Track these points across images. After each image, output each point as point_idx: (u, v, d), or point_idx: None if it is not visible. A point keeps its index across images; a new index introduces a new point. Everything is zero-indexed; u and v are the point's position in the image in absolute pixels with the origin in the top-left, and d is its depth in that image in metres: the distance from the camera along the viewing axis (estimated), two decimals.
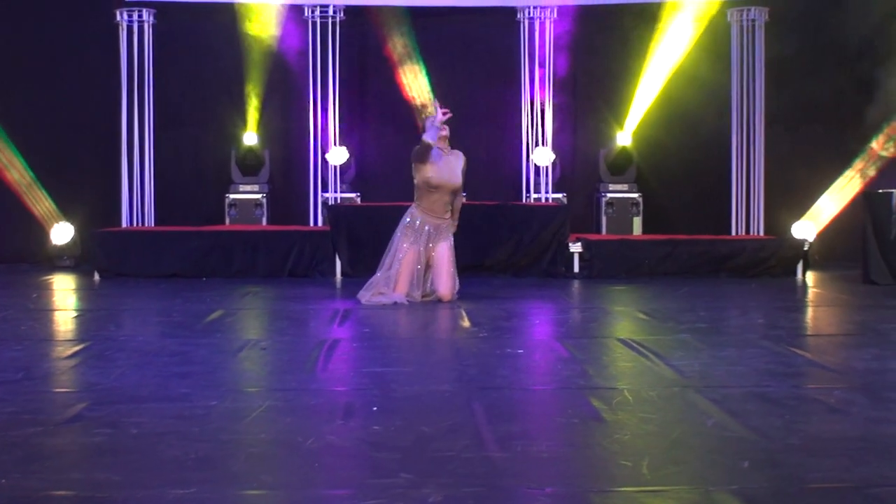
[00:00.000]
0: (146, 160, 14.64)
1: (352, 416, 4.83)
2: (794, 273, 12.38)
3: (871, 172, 13.88)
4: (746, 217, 14.40)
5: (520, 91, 14.75)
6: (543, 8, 14.58)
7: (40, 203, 14.27)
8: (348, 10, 14.69)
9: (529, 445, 4.29)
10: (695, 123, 14.37)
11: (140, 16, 14.53)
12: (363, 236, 12.44)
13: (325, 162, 14.64)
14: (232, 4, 14.57)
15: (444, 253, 9.68)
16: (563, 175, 15.00)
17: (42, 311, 9.36)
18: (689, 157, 14.48)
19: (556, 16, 14.62)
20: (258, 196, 14.53)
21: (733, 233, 14.29)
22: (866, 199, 11.81)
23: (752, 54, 14.37)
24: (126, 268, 12.34)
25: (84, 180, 14.59)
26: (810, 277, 12.33)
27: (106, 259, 12.40)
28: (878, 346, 7.03)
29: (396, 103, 14.92)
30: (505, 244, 12.44)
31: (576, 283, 11.72)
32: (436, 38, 14.87)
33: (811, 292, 11.17)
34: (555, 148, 14.72)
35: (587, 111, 15.18)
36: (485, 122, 14.99)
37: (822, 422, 4.82)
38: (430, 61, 14.80)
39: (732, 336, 7.65)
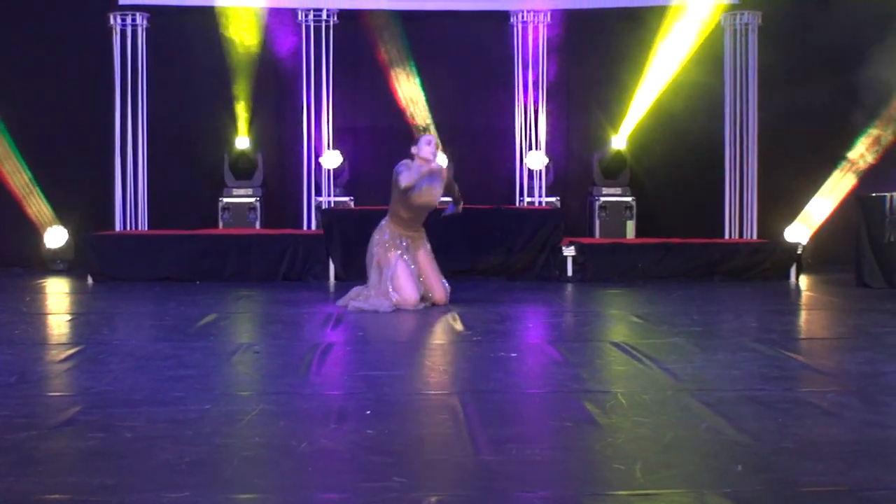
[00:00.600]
0: (139, 163, 14.64)
1: (345, 420, 4.83)
2: (788, 276, 12.40)
3: (854, 179, 13.94)
4: (740, 221, 14.41)
5: (513, 95, 14.77)
6: (536, 12, 14.60)
7: (37, 206, 14.27)
8: (341, 13, 14.70)
9: (523, 449, 4.29)
10: (688, 127, 14.37)
11: (133, 20, 14.53)
12: (357, 240, 12.39)
13: (318, 165, 14.64)
14: (225, 8, 14.57)
15: (424, 259, 9.67)
16: (557, 179, 15.02)
17: (35, 314, 9.35)
18: (682, 160, 14.48)
19: (549, 20, 14.64)
20: (252, 199, 14.53)
21: (726, 236, 14.31)
22: (860, 203, 11.83)
23: (745, 58, 14.39)
24: (119, 271, 12.33)
25: (77, 183, 14.57)
26: (803, 281, 12.35)
27: (99, 262, 12.39)
28: (871, 349, 7.03)
29: (390, 107, 14.94)
30: (498, 248, 12.45)
31: (569, 287, 11.73)
32: (429, 42, 14.88)
33: (804, 295, 11.18)
34: (548, 152, 14.74)
35: (580, 115, 15.19)
36: (478, 126, 15.02)
37: (816, 425, 4.82)
38: (424, 65, 14.82)
39: (726, 339, 7.65)
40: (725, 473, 3.95)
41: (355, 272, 12.27)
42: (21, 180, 14.29)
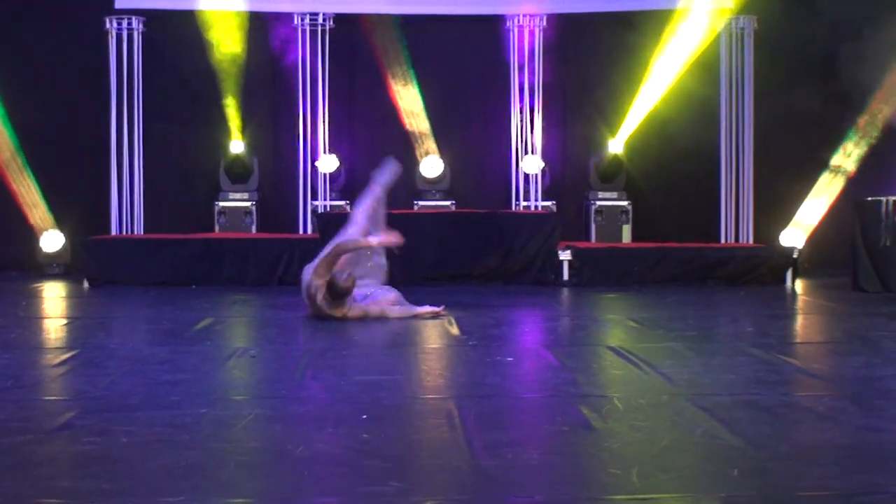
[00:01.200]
0: (135, 168, 14.63)
1: (341, 425, 4.82)
2: (784, 281, 12.39)
3: (842, 183, 13.99)
4: (735, 225, 14.42)
5: (509, 99, 14.77)
6: (532, 16, 14.61)
7: (37, 210, 14.27)
8: (338, 18, 14.70)
9: (519, 453, 4.29)
10: (684, 131, 14.36)
11: (129, 24, 14.53)
12: None
13: (314, 170, 14.64)
14: (221, 12, 14.56)
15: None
16: (553, 183, 15.02)
17: (31, 318, 9.34)
18: (678, 164, 14.48)
19: (544, 24, 14.65)
20: (247, 204, 14.52)
21: (722, 241, 14.32)
22: (856, 207, 11.83)
23: (742, 63, 14.40)
24: (116, 276, 12.33)
25: (73, 188, 14.57)
26: (799, 285, 12.35)
27: (95, 267, 12.39)
28: (867, 353, 7.03)
29: (386, 111, 14.94)
30: (494, 252, 12.44)
31: (565, 291, 11.73)
32: (425, 46, 14.87)
33: (800, 300, 11.19)
34: (544, 156, 14.75)
35: (577, 119, 15.19)
36: (474, 130, 15.03)
37: (812, 430, 4.83)
38: (420, 69, 14.83)
39: (722, 344, 7.66)
40: (721, 478, 3.95)
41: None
42: (24, 184, 14.30)
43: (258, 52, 14.91)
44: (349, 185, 14.97)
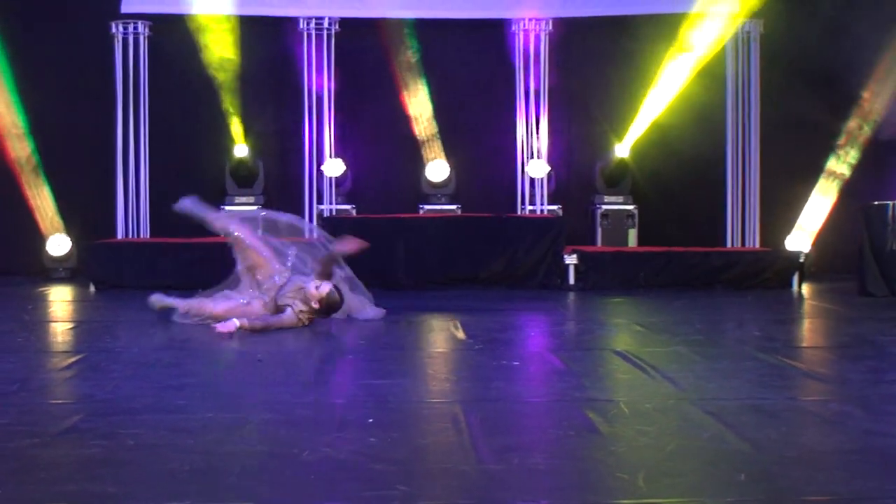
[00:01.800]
0: (141, 171, 14.66)
1: (347, 429, 4.82)
2: (790, 285, 12.39)
3: (839, 188, 14.04)
4: (742, 229, 14.42)
5: (514, 103, 14.77)
6: (538, 20, 14.61)
7: (46, 214, 14.31)
8: (343, 22, 14.72)
9: (525, 458, 4.29)
10: (690, 135, 14.36)
11: (135, 28, 14.57)
12: None
13: (320, 174, 14.65)
14: (226, 17, 14.58)
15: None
16: (559, 187, 15.02)
17: (37, 322, 9.35)
18: (684, 168, 14.47)
19: (550, 28, 14.65)
20: (253, 208, 14.51)
21: (728, 245, 14.31)
22: (863, 211, 11.83)
23: (747, 67, 14.40)
24: (121, 279, 12.34)
25: (79, 192, 14.59)
26: (806, 289, 12.34)
27: (101, 270, 12.41)
28: (874, 357, 7.03)
29: (392, 115, 14.95)
30: (500, 256, 12.45)
31: (571, 295, 11.72)
32: (430, 50, 14.86)
33: (807, 304, 11.18)
34: (550, 160, 14.75)
35: (582, 123, 15.19)
36: (479, 133, 15.02)
37: (818, 434, 4.82)
38: (425, 73, 14.83)
39: (728, 348, 7.65)
40: (728, 483, 3.95)
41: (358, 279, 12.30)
42: (36, 187, 14.35)
43: (263, 56, 14.94)
44: (355, 189, 14.98)
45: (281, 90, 15.07)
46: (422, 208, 14.45)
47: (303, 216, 14.65)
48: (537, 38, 14.68)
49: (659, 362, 6.67)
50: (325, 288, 8.52)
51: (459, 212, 14.29)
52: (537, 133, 14.72)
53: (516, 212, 14.54)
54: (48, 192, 14.50)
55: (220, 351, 7.48)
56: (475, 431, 4.74)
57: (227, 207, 14.45)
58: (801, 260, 12.63)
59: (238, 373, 6.52)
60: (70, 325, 9.09)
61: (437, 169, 14.71)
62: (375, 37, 14.86)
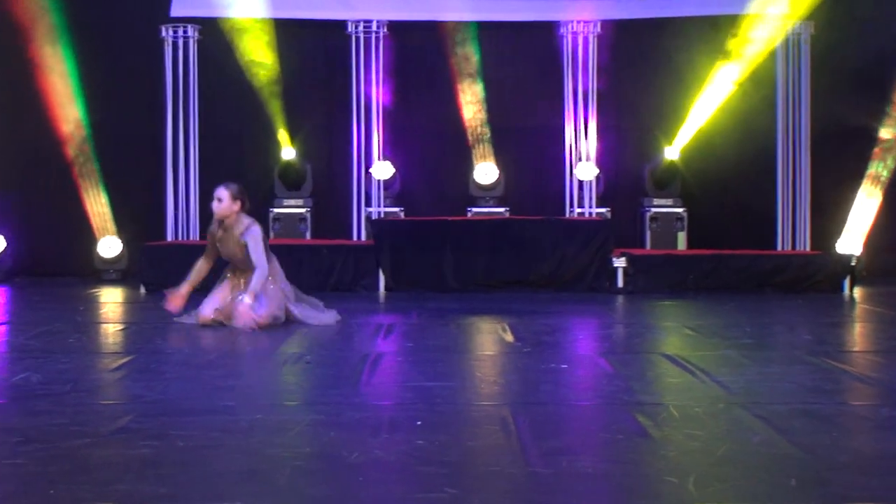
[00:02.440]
0: (190, 174, 14.74)
1: (396, 431, 4.83)
2: (841, 289, 12.28)
3: (882, 192, 13.96)
4: (792, 231, 14.30)
5: (563, 105, 14.74)
6: (586, 23, 14.56)
7: (100, 216, 14.45)
8: (391, 25, 14.74)
9: (574, 461, 4.28)
10: (740, 137, 14.33)
11: (185, 31, 14.64)
12: (407, 251, 12.47)
13: (368, 176, 14.67)
14: (275, 20, 14.65)
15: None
16: (607, 189, 14.95)
17: (89, 323, 9.43)
18: (734, 170, 14.41)
19: (598, 30, 14.60)
20: (302, 210, 14.58)
21: (779, 248, 14.21)
22: None
23: (798, 70, 14.29)
24: (171, 281, 12.29)
25: (130, 194, 14.72)
26: (857, 293, 12.24)
27: (151, 272, 12.49)
28: None
29: (440, 117, 14.98)
30: (548, 259, 12.42)
31: (620, 298, 11.69)
32: (480, 52, 14.86)
33: (858, 308, 11.08)
34: (599, 162, 14.69)
35: (631, 126, 15.12)
36: (528, 136, 15.00)
37: (870, 439, 4.79)
38: (475, 76, 14.83)
39: (778, 352, 7.61)
40: (779, 487, 3.92)
41: (405, 283, 12.33)
42: (92, 189, 14.49)
43: (311, 59, 15.01)
44: (403, 191, 15.00)
45: (329, 93, 15.12)
46: (470, 211, 14.45)
47: (351, 219, 14.72)
48: (585, 40, 14.63)
49: (709, 366, 6.65)
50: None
51: (507, 214, 14.28)
52: (586, 135, 14.67)
53: (564, 214, 14.49)
54: (103, 195, 14.63)
55: (268, 352, 7.51)
56: (524, 434, 4.74)
57: (276, 210, 14.53)
58: (853, 263, 12.53)
59: (286, 374, 6.55)
60: (121, 327, 9.16)
61: (486, 171, 14.71)
62: (424, 40, 14.90)
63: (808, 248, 14.03)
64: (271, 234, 14.39)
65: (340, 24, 14.71)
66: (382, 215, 14.37)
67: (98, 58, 14.53)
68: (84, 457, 4.37)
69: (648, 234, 14.39)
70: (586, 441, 4.83)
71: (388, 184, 14.73)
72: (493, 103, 14.83)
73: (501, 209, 14.46)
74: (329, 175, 15.18)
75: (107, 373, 6.63)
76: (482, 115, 14.86)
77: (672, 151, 14.66)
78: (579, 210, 14.58)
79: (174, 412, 5.22)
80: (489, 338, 8.41)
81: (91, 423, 4.98)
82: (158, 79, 14.63)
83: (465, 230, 12.67)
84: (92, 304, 11.17)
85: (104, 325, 9.31)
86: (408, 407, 5.39)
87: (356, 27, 14.64)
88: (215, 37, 14.65)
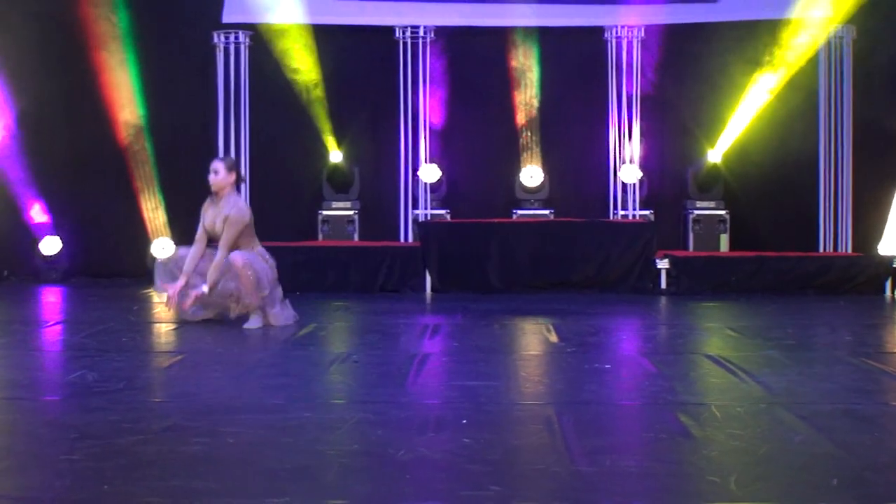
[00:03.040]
0: (241, 176, 14.79)
1: (442, 429, 4.84)
2: (883, 290, 12.19)
3: None
4: (834, 234, 14.21)
5: (607, 109, 14.70)
6: (630, 27, 14.54)
7: (156, 218, 14.55)
8: (438, 30, 14.76)
9: (617, 460, 4.27)
10: (782, 141, 14.25)
11: (236, 37, 14.72)
12: (453, 252, 12.47)
13: (415, 179, 14.70)
14: (323, 26, 14.71)
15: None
16: (651, 192, 14.91)
17: (142, 323, 9.50)
18: (776, 174, 14.35)
19: (643, 35, 14.57)
20: (350, 212, 14.62)
21: (821, 250, 14.11)
22: None
23: (840, 73, 14.20)
24: None
25: (183, 196, 14.76)
26: None
27: None
28: None
29: (486, 121, 14.99)
30: (592, 260, 12.41)
31: (663, 300, 11.65)
32: (524, 57, 14.85)
33: None
34: (642, 165, 14.65)
35: (674, 129, 15.06)
36: (572, 139, 14.97)
37: None
38: (520, 80, 14.84)
39: (820, 353, 7.55)
40: (820, 487, 3.90)
41: (452, 284, 12.34)
42: (149, 191, 14.60)
43: (359, 63, 15.03)
44: (450, 194, 15.01)
45: (376, 97, 15.13)
46: (515, 213, 14.44)
47: (398, 221, 14.75)
48: (630, 44, 14.61)
49: (751, 366, 6.61)
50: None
51: (552, 216, 14.26)
52: (629, 138, 14.64)
53: (608, 216, 14.47)
54: (157, 197, 14.73)
55: (317, 352, 7.54)
56: (568, 433, 4.73)
57: (324, 212, 14.57)
58: (895, 265, 12.43)
59: (334, 373, 6.57)
60: (172, 327, 9.21)
61: (531, 174, 14.69)
62: (470, 45, 14.91)
63: (849, 250, 13.94)
64: (320, 236, 14.44)
65: (388, 30, 14.76)
66: (429, 217, 14.38)
67: (154, 63, 14.64)
68: (137, 453, 4.40)
69: (691, 236, 14.34)
70: (629, 440, 4.82)
71: (434, 186, 14.74)
72: (538, 107, 14.83)
73: (546, 211, 14.44)
74: (376, 178, 15.20)
75: (159, 371, 6.67)
76: (528, 119, 14.85)
77: (715, 154, 14.62)
78: (623, 212, 14.54)
79: (224, 410, 5.25)
80: (534, 338, 8.40)
81: (144, 421, 5.02)
82: (211, 83, 14.72)
83: (510, 232, 12.66)
84: (145, 304, 11.24)
85: (157, 325, 9.37)
86: (453, 406, 5.39)
87: (404, 33, 14.69)
88: (265, 42, 14.75)
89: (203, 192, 14.73)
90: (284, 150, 14.98)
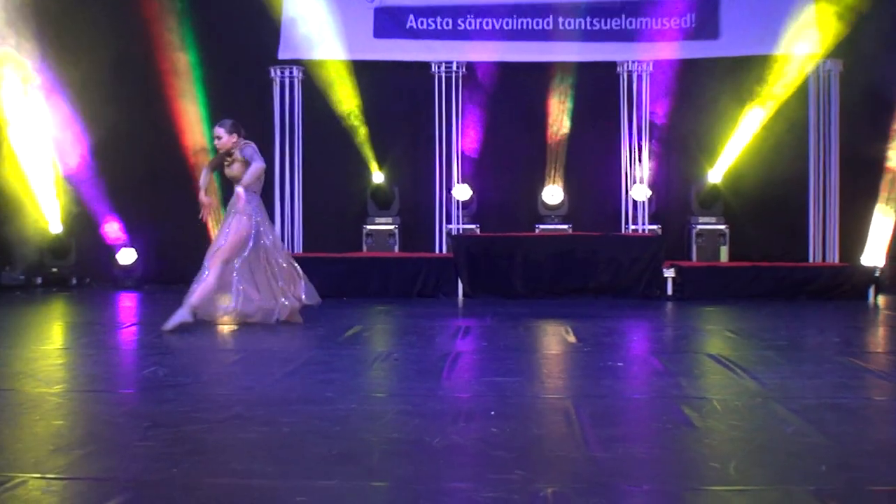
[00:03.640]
0: (295, 196, 14.88)
1: (472, 420, 4.83)
2: (866, 296, 12.13)
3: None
4: (822, 246, 14.14)
5: (619, 134, 14.69)
6: (640, 62, 14.54)
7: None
8: (470, 65, 14.82)
9: (628, 448, 4.26)
10: (776, 163, 14.22)
11: (290, 72, 14.81)
12: (482, 262, 12.47)
13: (449, 197, 14.72)
14: (368, 61, 14.80)
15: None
16: (658, 208, 14.89)
17: (208, 325, 9.52)
18: (770, 193, 14.32)
19: (651, 69, 14.57)
20: (391, 227, 14.66)
21: (811, 260, 14.04)
22: None
23: (828, 102, 14.15)
24: None
25: None
26: (881, 300, 12.06)
27: None
28: None
29: (512, 146, 15.01)
30: (606, 269, 12.39)
31: (669, 305, 11.61)
32: (546, 88, 14.87)
33: (882, 314, 10.91)
34: (651, 185, 14.63)
35: (679, 153, 15.03)
36: (589, 161, 14.95)
37: (892, 430, 4.71)
38: (543, 110, 14.86)
39: (810, 353, 7.50)
40: (809, 472, 3.88)
41: (481, 290, 12.34)
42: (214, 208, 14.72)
43: (400, 94, 15.10)
44: (479, 210, 15.02)
45: (414, 124, 15.17)
46: (537, 227, 14.43)
47: (433, 234, 14.78)
48: (640, 77, 14.60)
49: (748, 364, 6.58)
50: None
51: (571, 230, 14.25)
52: (640, 161, 14.61)
53: (621, 230, 14.44)
54: (221, 211, 14.79)
55: (361, 351, 7.54)
56: (584, 424, 4.72)
57: (368, 227, 14.62)
58: (877, 274, 12.37)
59: (377, 370, 6.57)
60: (234, 328, 9.24)
61: (552, 193, 14.69)
62: (498, 78, 14.93)
63: (836, 261, 13.85)
64: (364, 248, 14.48)
65: (425, 65, 14.81)
66: (461, 231, 14.39)
67: (218, 93, 14.76)
68: (202, 440, 4.42)
69: (694, 248, 14.29)
70: (639, 430, 4.80)
71: (465, 204, 14.76)
72: (558, 133, 14.82)
73: (565, 226, 14.43)
74: (414, 196, 15.23)
75: (222, 367, 6.70)
76: (549, 144, 14.85)
77: (715, 175, 14.59)
78: (633, 227, 14.51)
79: (280, 402, 5.26)
80: (554, 339, 8.38)
81: (209, 411, 5.04)
82: (268, 112, 14.81)
83: (533, 244, 12.65)
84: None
85: (220, 327, 9.40)
86: (482, 399, 5.38)
87: (439, 67, 14.74)
88: (316, 76, 14.82)
89: (266, 206, 14.87)
90: (333, 171, 15.04)
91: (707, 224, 14.40)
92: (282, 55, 15.02)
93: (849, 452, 4.20)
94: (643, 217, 14.57)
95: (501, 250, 12.52)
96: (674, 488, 3.73)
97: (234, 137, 9.30)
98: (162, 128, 14.55)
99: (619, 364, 6.91)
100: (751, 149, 14.48)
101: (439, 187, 14.81)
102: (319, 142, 14.90)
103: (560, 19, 14.83)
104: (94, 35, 14.25)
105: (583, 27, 14.82)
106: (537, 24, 14.86)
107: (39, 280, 14.48)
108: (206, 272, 9.01)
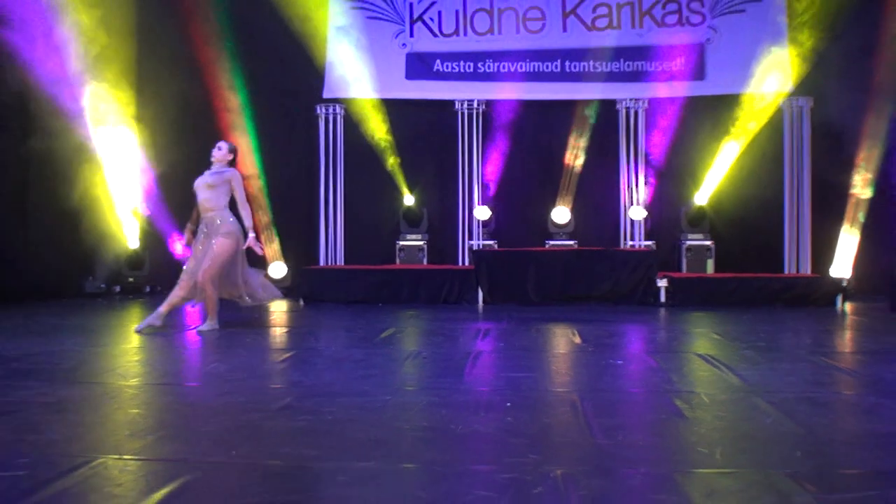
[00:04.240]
0: (338, 215, 14.91)
1: (491, 410, 4.83)
2: (835, 304, 12.04)
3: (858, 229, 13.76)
4: (797, 260, 14.07)
5: (619, 162, 14.68)
6: (637, 100, 14.54)
7: (272, 246, 14.70)
8: (489, 103, 14.87)
9: (628, 435, 4.24)
10: (756, 188, 14.25)
11: (334, 109, 14.88)
12: (500, 273, 12.46)
13: (471, 217, 14.73)
14: (400, 100, 14.88)
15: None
16: (653, 227, 14.86)
17: (262, 327, 9.55)
18: (751, 213, 14.33)
19: (646, 105, 14.57)
20: (420, 243, 14.67)
21: (786, 272, 13.96)
22: (893, 244, 11.45)
23: (801, 135, 14.09)
24: (323, 295, 12.56)
25: (292, 230, 14.96)
26: (848, 307, 11.97)
27: (308, 289, 12.64)
28: None
29: (526, 172, 15.02)
30: (607, 280, 12.34)
31: (662, 311, 11.56)
32: (554, 121, 14.90)
33: (849, 319, 10.82)
34: (646, 206, 14.60)
35: (671, 178, 14.99)
36: (592, 186, 14.93)
37: (859, 421, 4.67)
38: (552, 141, 14.89)
39: (786, 352, 7.45)
40: (787, 458, 3.86)
41: (498, 298, 12.33)
42: (267, 229, 14.77)
43: (427, 128, 15.15)
44: (497, 228, 15.02)
45: (440, 154, 15.19)
46: (547, 243, 14.41)
47: (457, 249, 14.78)
48: (636, 113, 14.60)
49: (732, 363, 6.55)
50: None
51: (576, 245, 14.22)
52: (636, 185, 14.59)
53: (620, 245, 14.41)
54: (273, 231, 14.87)
55: (394, 350, 7.54)
56: (589, 414, 4.71)
57: (400, 242, 14.63)
58: (844, 284, 12.29)
59: (407, 366, 6.57)
60: (285, 329, 9.26)
61: (561, 213, 14.68)
62: (514, 114, 14.95)
63: (809, 273, 13.77)
64: (397, 261, 14.50)
65: (449, 103, 14.86)
66: (481, 246, 14.39)
67: (269, 128, 14.90)
68: (257, 427, 4.43)
69: (684, 261, 14.24)
70: (637, 420, 4.78)
71: (485, 223, 14.77)
72: (565, 161, 14.83)
73: (571, 242, 14.40)
74: (441, 216, 15.25)
75: (274, 364, 6.71)
76: (556, 171, 14.85)
77: (702, 198, 14.54)
78: (631, 242, 14.49)
79: (325, 394, 5.27)
80: (562, 340, 8.36)
81: (263, 402, 5.05)
82: (314, 144, 14.89)
83: (544, 258, 12.62)
84: (263, 314, 11.31)
85: (273, 329, 9.42)
86: (500, 392, 5.38)
87: (461, 104, 14.77)
88: (356, 112, 14.89)
89: (308, 221, 14.92)
90: (370, 194, 15.08)
91: (695, 240, 14.34)
92: (326, 94, 15.10)
93: (821, 440, 4.17)
94: (639, 234, 14.54)
95: (516, 263, 12.50)
96: (667, 471, 3.71)
97: (229, 157, 9.15)
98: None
99: (619, 362, 6.88)
100: (733, 175, 14.48)
101: (462, 208, 14.82)
102: (358, 169, 14.97)
103: (567, 63, 14.86)
104: (162, 78, 14.37)
105: (587, 69, 14.84)
106: (547, 66, 14.90)
107: (118, 288, 14.54)
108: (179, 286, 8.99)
